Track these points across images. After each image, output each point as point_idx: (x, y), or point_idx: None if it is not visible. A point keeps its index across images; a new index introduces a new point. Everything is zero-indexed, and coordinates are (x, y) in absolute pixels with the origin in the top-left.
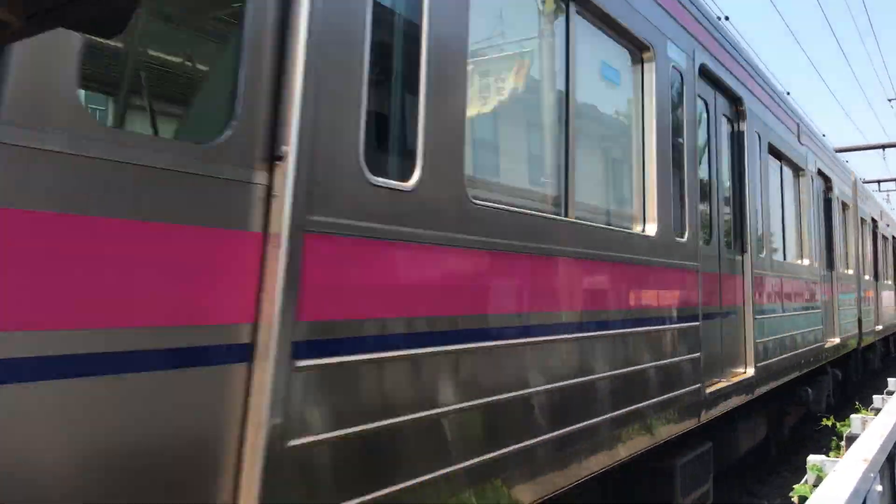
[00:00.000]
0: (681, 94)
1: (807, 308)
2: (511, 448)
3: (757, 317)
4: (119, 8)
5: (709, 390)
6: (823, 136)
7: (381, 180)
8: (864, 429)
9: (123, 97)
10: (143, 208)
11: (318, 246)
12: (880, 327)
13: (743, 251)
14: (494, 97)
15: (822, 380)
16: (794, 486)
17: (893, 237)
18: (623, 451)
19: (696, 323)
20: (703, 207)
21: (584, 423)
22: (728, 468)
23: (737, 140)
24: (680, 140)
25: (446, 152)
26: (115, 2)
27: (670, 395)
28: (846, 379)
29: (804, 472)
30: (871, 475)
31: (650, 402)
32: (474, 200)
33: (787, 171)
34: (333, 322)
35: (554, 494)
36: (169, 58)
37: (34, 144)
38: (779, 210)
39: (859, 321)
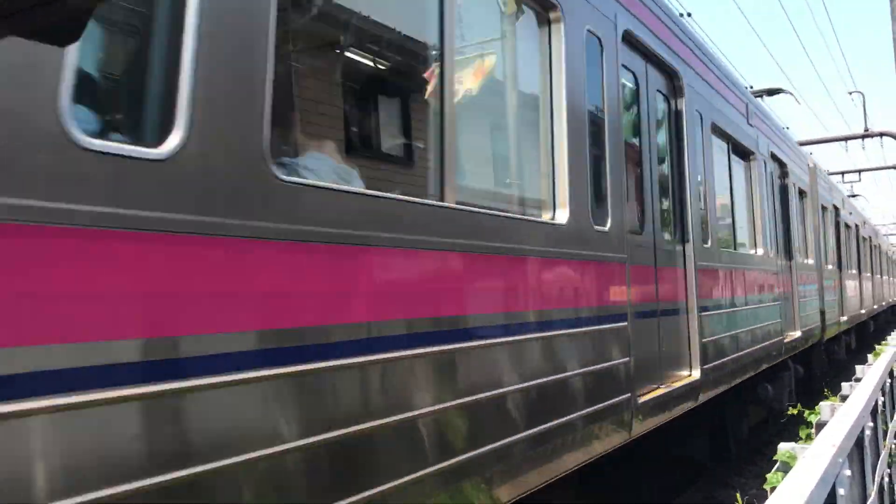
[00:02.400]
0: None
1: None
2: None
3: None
4: (73, 16)
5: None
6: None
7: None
8: (832, 415)
9: None
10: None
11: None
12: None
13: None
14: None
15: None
16: (767, 476)
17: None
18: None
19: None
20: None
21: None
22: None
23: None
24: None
25: None
26: (68, 9)
27: (810, 326)
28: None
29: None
30: (840, 460)
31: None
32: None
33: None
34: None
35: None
36: None
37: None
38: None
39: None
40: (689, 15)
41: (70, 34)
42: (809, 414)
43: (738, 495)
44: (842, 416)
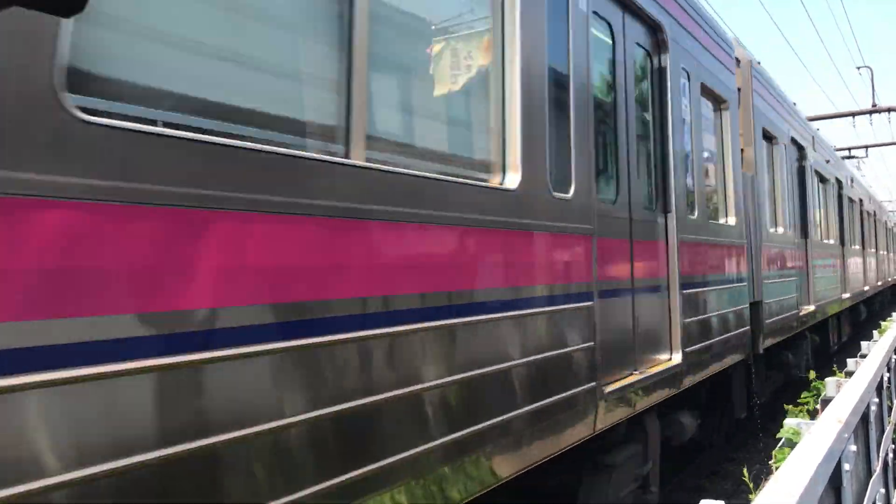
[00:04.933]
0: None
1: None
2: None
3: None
4: None
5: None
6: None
7: None
8: (838, 391)
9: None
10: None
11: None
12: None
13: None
14: None
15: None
16: (774, 452)
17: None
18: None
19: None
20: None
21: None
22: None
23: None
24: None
25: None
26: None
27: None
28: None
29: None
30: (845, 436)
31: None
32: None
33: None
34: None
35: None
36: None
37: None
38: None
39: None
40: None
41: (74, 4)
42: (818, 383)
43: (744, 469)
44: (847, 392)
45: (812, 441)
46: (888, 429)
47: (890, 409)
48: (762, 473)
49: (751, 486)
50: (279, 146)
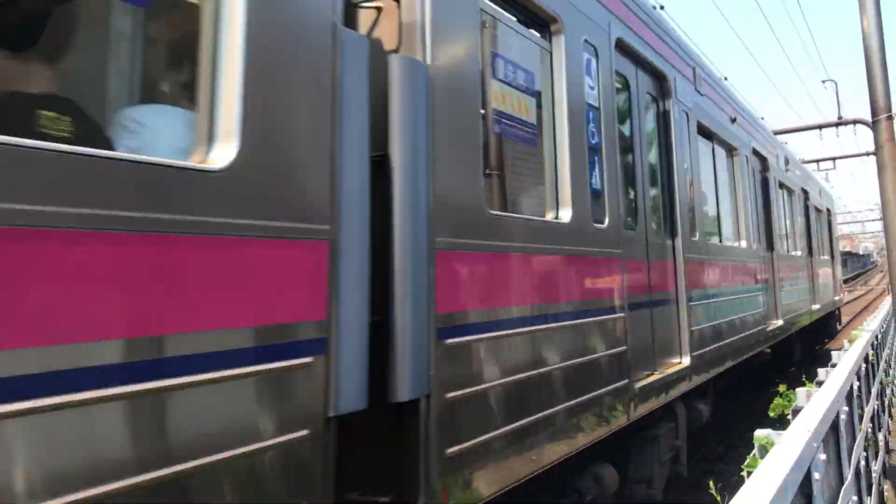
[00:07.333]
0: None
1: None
2: None
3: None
4: (33, 16)
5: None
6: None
7: None
8: (808, 401)
9: None
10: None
11: None
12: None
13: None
14: None
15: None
16: (743, 465)
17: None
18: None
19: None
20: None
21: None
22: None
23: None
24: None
25: None
26: (23, 10)
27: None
28: None
29: None
30: (815, 444)
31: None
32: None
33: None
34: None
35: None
36: None
37: None
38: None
39: None
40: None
41: (28, 37)
42: (786, 393)
43: (711, 483)
44: (817, 401)
45: (781, 451)
46: (859, 437)
47: (861, 417)
48: (735, 485)
49: (717, 497)
50: None
